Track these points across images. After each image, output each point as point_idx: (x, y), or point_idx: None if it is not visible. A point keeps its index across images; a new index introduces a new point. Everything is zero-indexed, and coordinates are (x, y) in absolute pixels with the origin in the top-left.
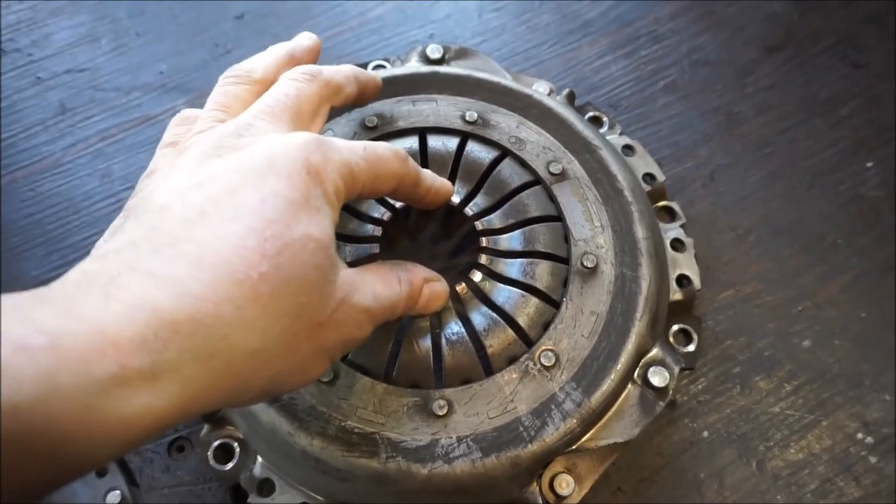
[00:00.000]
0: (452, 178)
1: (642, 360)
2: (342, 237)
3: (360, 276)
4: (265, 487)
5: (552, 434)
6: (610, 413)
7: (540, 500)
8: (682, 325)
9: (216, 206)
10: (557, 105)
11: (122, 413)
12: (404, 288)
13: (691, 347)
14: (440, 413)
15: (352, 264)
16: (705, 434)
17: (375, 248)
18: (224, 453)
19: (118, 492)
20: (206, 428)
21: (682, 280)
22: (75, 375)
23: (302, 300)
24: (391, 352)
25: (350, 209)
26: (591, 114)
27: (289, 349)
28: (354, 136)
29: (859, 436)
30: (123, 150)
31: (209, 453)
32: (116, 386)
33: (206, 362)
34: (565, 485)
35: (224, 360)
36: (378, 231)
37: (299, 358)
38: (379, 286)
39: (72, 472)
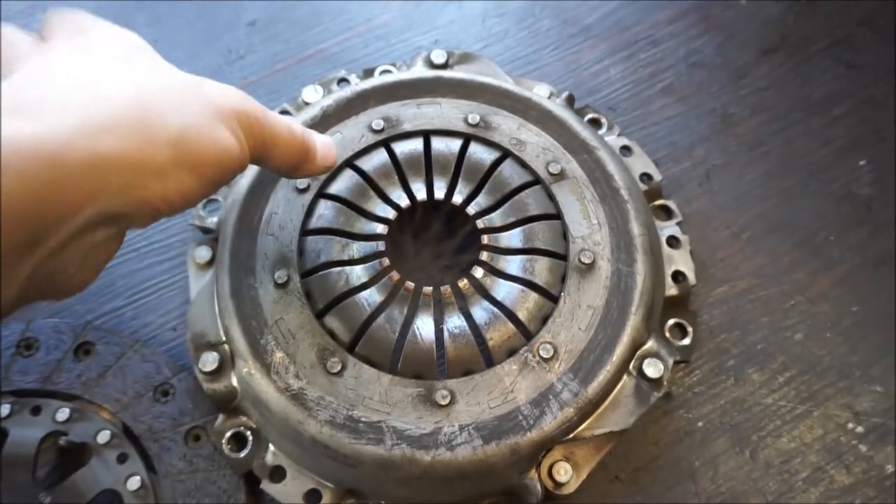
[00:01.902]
0: (455, 179)
1: (637, 353)
2: (349, 235)
3: None
4: (276, 474)
5: (550, 423)
6: (606, 403)
7: (539, 486)
8: (677, 320)
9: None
10: (557, 107)
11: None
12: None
13: (686, 341)
14: (443, 403)
15: (358, 261)
16: (700, 424)
17: (381, 246)
18: (237, 442)
19: (138, 477)
20: (220, 418)
21: (678, 276)
22: None
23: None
24: (396, 345)
25: (357, 208)
26: (590, 116)
27: (180, 96)
28: (362, 139)
29: (850, 425)
30: None
31: (223, 442)
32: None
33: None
34: (563, 472)
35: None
36: (384, 229)
37: (196, 109)
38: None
39: None
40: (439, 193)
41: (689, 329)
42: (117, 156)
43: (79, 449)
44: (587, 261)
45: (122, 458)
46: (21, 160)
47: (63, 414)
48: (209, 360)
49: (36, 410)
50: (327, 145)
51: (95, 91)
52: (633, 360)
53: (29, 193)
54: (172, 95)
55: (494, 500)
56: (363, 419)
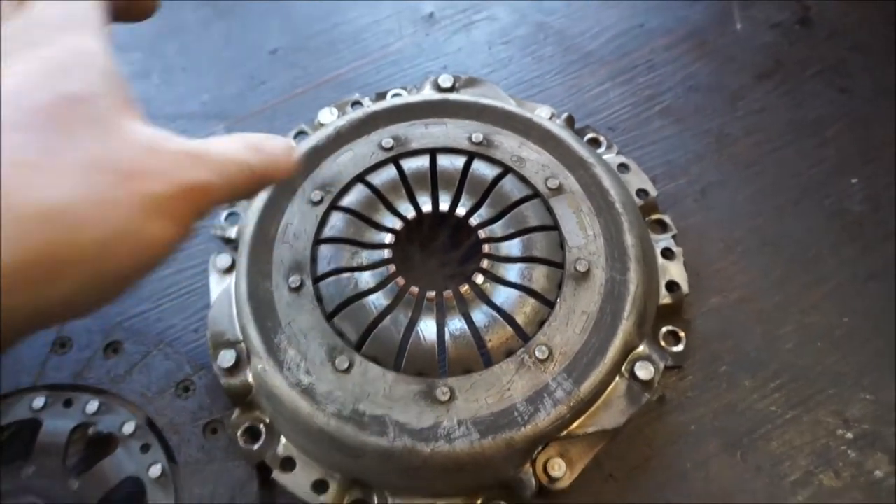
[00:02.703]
0: (459, 193)
1: (630, 356)
2: (359, 244)
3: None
4: (287, 464)
5: (544, 419)
6: (598, 403)
7: (533, 480)
8: (671, 327)
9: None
10: (556, 127)
11: None
12: (238, 143)
13: (680, 347)
14: (443, 399)
15: (367, 268)
16: (693, 427)
17: (388, 254)
18: (251, 435)
19: (159, 466)
20: (236, 412)
21: (672, 286)
22: None
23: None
24: (401, 345)
25: (366, 219)
26: (589, 135)
27: (99, 201)
28: (372, 156)
29: (839, 432)
30: None
31: (238, 434)
32: None
33: None
34: (557, 467)
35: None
36: (391, 239)
37: (122, 213)
38: (213, 141)
39: None
40: (444, 206)
41: (682, 336)
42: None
43: (106, 439)
44: (583, 269)
45: (145, 448)
46: None
47: (92, 407)
48: (227, 358)
49: (68, 403)
50: (285, 149)
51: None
52: (626, 364)
53: None
54: (91, 202)
55: (491, 493)
56: (368, 413)
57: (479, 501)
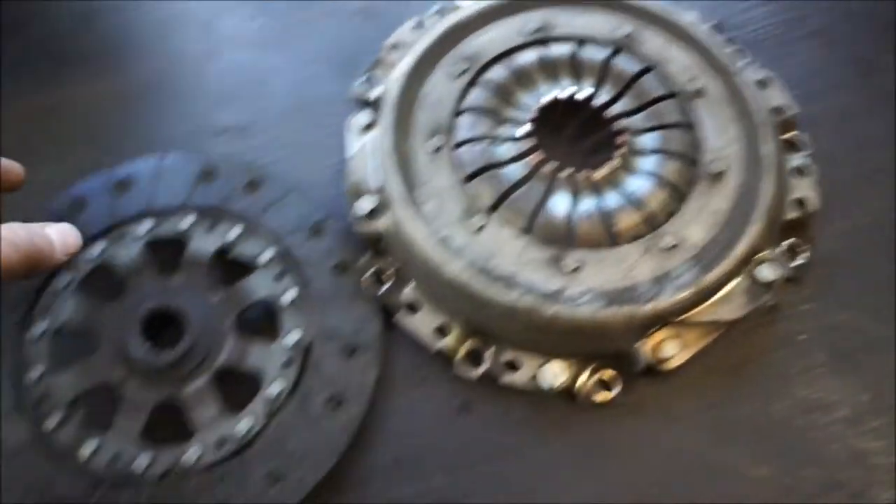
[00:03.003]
0: (599, 83)
1: (754, 258)
2: (497, 118)
3: None
4: (411, 309)
5: (666, 300)
6: (719, 295)
7: (645, 355)
8: (795, 240)
9: None
10: (704, 32)
11: None
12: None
13: (801, 261)
14: (570, 268)
15: (505, 140)
16: (802, 337)
17: (528, 129)
18: (378, 279)
19: (291, 293)
20: (366, 256)
21: (801, 202)
22: None
23: None
24: (532, 213)
25: (504, 96)
26: (733, 47)
27: None
28: (516, 38)
29: None
30: None
31: (366, 277)
32: None
33: None
34: (669, 348)
35: None
36: (531, 115)
37: None
38: None
39: None
40: (585, 94)
41: (806, 250)
42: None
43: (244, 263)
44: (717, 170)
45: (279, 277)
46: None
47: (235, 232)
48: (365, 205)
49: (213, 226)
50: (64, 234)
51: None
52: (749, 264)
53: None
54: None
55: (602, 362)
56: (497, 270)
57: (590, 367)
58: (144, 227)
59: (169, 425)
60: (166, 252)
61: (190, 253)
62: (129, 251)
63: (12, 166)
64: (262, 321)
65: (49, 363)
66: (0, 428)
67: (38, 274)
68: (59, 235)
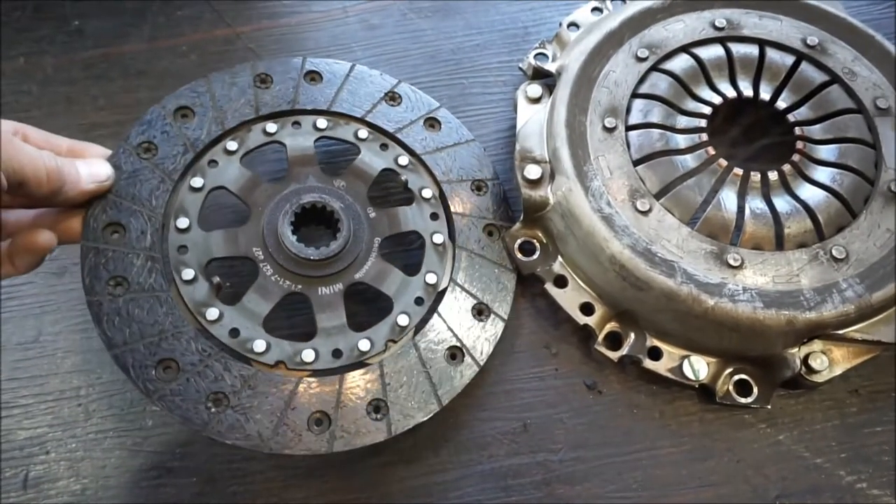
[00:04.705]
0: (781, 88)
1: None
2: (674, 107)
3: None
4: (560, 281)
5: (829, 311)
6: (882, 315)
7: (797, 361)
8: None
9: None
10: (894, 52)
11: None
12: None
13: None
14: (733, 264)
15: (680, 131)
16: None
17: (703, 123)
18: (526, 248)
19: (441, 235)
20: (517, 224)
21: None
22: None
23: None
24: (700, 205)
25: (686, 87)
26: None
27: None
28: (702, 31)
29: None
30: None
31: (515, 245)
32: None
33: None
34: (820, 361)
35: None
36: (708, 111)
37: None
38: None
39: None
40: (764, 96)
41: None
42: None
43: (408, 193)
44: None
45: (434, 216)
46: None
47: (403, 161)
48: (533, 171)
49: (384, 147)
50: (92, 166)
51: None
52: None
53: None
54: None
55: (741, 366)
56: (659, 254)
57: (732, 367)
58: (321, 122)
59: (290, 319)
60: (334, 154)
61: (359, 163)
62: (301, 140)
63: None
64: (403, 253)
65: (198, 218)
66: (133, 269)
67: (65, 199)
68: (87, 167)
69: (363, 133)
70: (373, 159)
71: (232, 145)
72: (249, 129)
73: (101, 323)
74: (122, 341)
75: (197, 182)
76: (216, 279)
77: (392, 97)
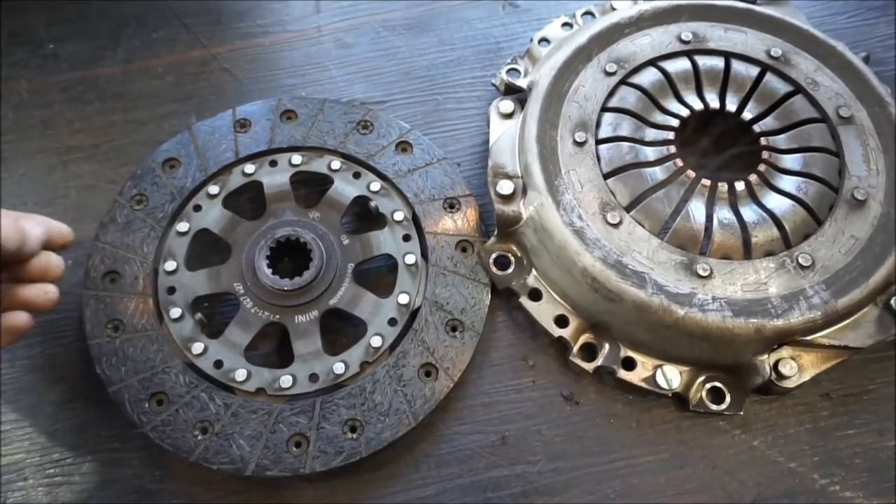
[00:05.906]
0: (746, 99)
1: (888, 289)
2: (644, 121)
3: None
4: (535, 295)
5: (797, 318)
6: (848, 321)
7: (767, 368)
8: None
9: None
10: (857, 60)
11: None
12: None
13: None
14: (702, 274)
15: (648, 143)
16: None
17: (671, 136)
18: (501, 262)
19: (414, 256)
20: (492, 239)
21: None
22: None
23: None
24: (670, 217)
25: (654, 100)
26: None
27: None
28: (669, 45)
29: None
30: None
31: (490, 260)
32: None
33: None
34: (789, 367)
35: None
36: (676, 123)
37: None
38: None
39: None
40: (731, 107)
41: None
42: None
43: (378, 216)
44: (860, 197)
45: (406, 238)
46: None
47: (376, 186)
48: (506, 186)
49: (357, 175)
50: (49, 221)
51: None
52: (883, 294)
53: None
54: None
55: (714, 374)
56: (630, 266)
57: (704, 376)
58: (296, 159)
59: (269, 347)
60: (309, 187)
61: (332, 192)
62: (277, 178)
63: (61, 228)
64: (376, 277)
65: (184, 260)
66: (128, 312)
67: (30, 250)
68: (40, 221)
69: (336, 164)
70: (345, 188)
71: (213, 189)
72: (230, 173)
73: (101, 363)
74: (119, 379)
75: (183, 227)
76: (198, 315)
77: (364, 125)
